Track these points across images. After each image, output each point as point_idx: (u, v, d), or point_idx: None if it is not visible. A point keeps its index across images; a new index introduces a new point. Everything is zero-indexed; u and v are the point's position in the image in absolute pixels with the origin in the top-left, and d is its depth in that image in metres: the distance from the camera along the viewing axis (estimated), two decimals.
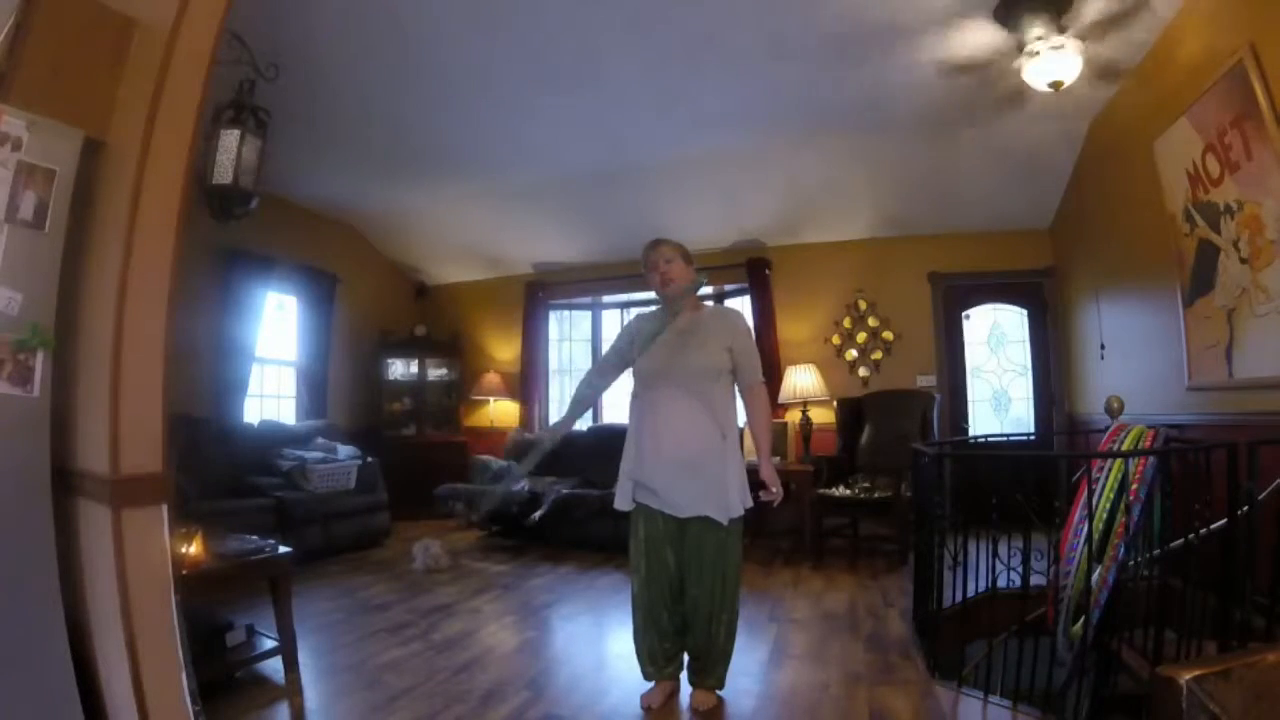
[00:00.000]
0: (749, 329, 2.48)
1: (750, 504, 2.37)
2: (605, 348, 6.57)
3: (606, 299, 6.74)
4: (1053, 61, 3.19)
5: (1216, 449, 2.19)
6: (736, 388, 2.42)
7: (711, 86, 3.97)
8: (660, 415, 2.30)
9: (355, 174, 5.30)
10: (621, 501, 2.40)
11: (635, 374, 2.43)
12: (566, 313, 6.90)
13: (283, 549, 2.70)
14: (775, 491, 2.32)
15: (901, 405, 4.93)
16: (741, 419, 2.42)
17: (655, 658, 2.37)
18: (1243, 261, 2.75)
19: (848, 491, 4.50)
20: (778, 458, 5.17)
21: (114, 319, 1.67)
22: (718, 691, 2.37)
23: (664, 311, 2.41)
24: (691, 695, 2.37)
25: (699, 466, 2.27)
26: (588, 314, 6.90)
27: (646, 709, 2.30)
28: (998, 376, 5.54)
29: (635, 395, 2.45)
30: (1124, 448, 2.61)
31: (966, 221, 5.26)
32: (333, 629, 3.16)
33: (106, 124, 1.80)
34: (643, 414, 2.37)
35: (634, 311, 6.40)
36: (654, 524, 2.34)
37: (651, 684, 2.38)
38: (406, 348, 6.57)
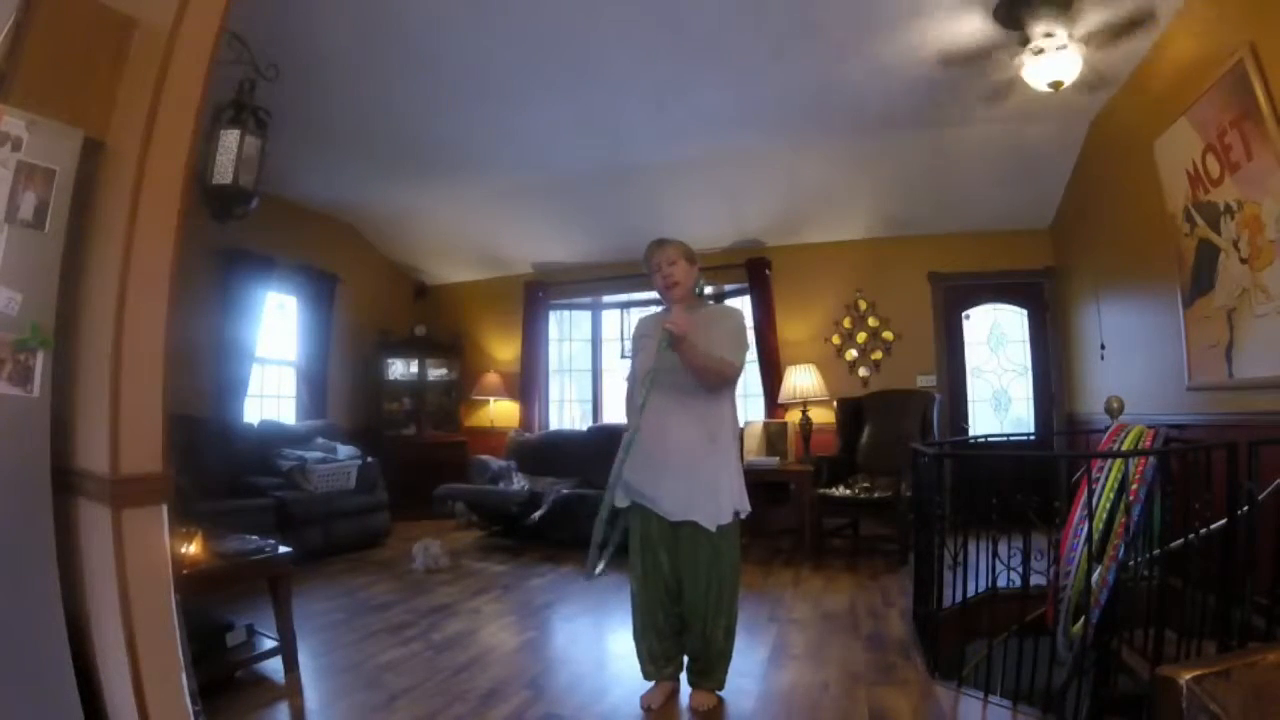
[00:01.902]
0: (743, 324, 2.46)
1: (747, 509, 2.35)
2: (605, 348, 6.69)
3: (606, 299, 6.75)
4: (1053, 61, 3.19)
5: (1216, 449, 2.19)
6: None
7: (712, 86, 3.97)
8: (647, 417, 2.25)
9: (355, 174, 5.30)
10: (620, 499, 2.40)
11: (630, 375, 2.42)
12: (566, 313, 6.90)
13: (283, 549, 2.70)
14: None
15: (901, 405, 4.93)
16: (742, 420, 2.40)
17: (655, 658, 2.36)
18: (1243, 261, 2.75)
19: (848, 491, 4.51)
20: (776, 458, 5.17)
21: (114, 319, 1.67)
22: (718, 692, 2.37)
23: (666, 313, 2.39)
24: (691, 696, 2.36)
25: (684, 471, 2.24)
26: (588, 314, 6.90)
27: (646, 709, 2.30)
28: (998, 376, 5.54)
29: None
30: (1124, 448, 2.61)
31: (966, 221, 5.26)
32: (333, 629, 3.16)
33: (106, 124, 1.80)
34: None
35: (634, 311, 6.42)
36: (649, 525, 2.33)
37: (651, 684, 2.38)
38: (406, 348, 6.57)
